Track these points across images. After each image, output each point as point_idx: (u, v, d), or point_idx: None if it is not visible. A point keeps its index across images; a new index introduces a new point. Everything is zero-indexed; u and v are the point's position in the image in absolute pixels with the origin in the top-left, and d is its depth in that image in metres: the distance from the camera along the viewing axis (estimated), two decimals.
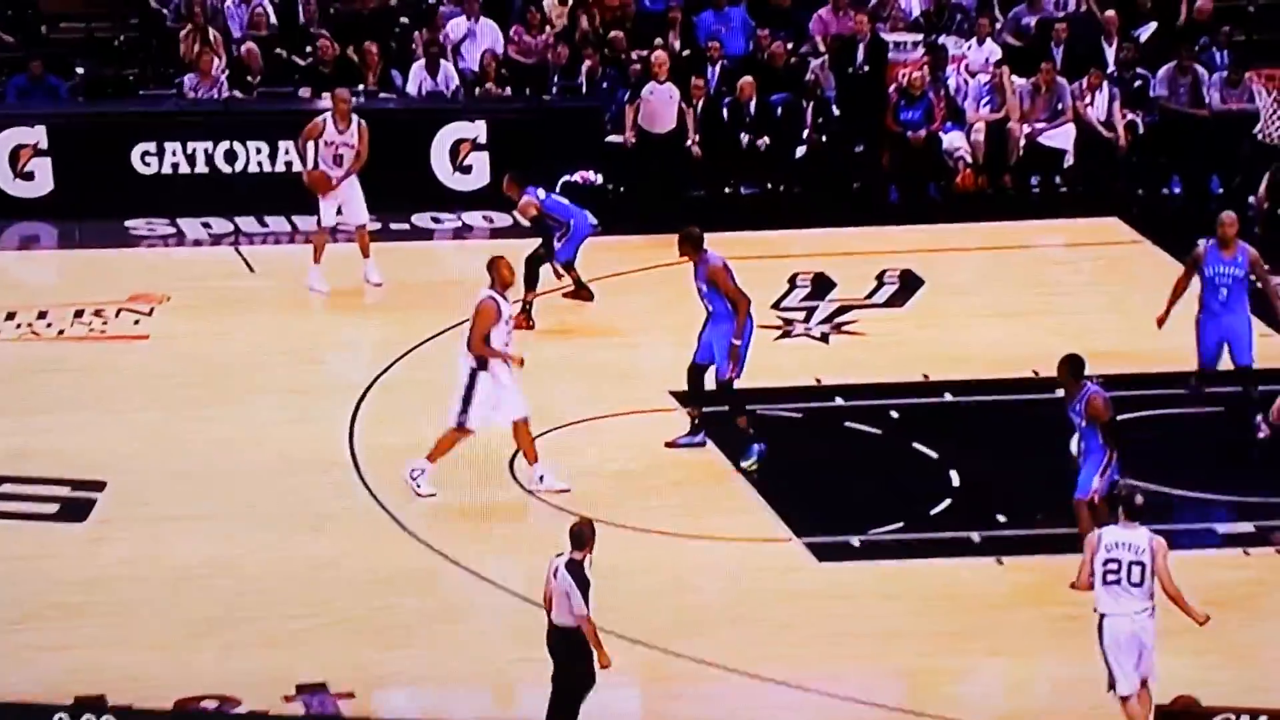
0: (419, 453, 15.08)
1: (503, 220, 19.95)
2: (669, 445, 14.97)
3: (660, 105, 19.89)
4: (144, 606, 13.07)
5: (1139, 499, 11.39)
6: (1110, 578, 11.15)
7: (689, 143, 20.35)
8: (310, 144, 18.17)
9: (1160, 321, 15.02)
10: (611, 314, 17.38)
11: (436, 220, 20.12)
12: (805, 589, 13.41)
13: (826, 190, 20.49)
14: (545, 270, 17.31)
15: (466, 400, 14.27)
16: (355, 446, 15.21)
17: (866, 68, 20.96)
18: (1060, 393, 13.93)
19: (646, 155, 20.31)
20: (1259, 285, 14.99)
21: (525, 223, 17.45)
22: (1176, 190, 20.96)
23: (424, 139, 20.36)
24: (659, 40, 21.42)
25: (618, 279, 18.20)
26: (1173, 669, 11.51)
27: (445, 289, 18.17)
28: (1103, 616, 11.24)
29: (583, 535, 11.33)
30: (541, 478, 14.42)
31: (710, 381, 14.88)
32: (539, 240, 17.23)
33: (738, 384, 14.70)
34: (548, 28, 21.77)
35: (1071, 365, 13.28)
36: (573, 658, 11.14)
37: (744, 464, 14.78)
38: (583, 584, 11.17)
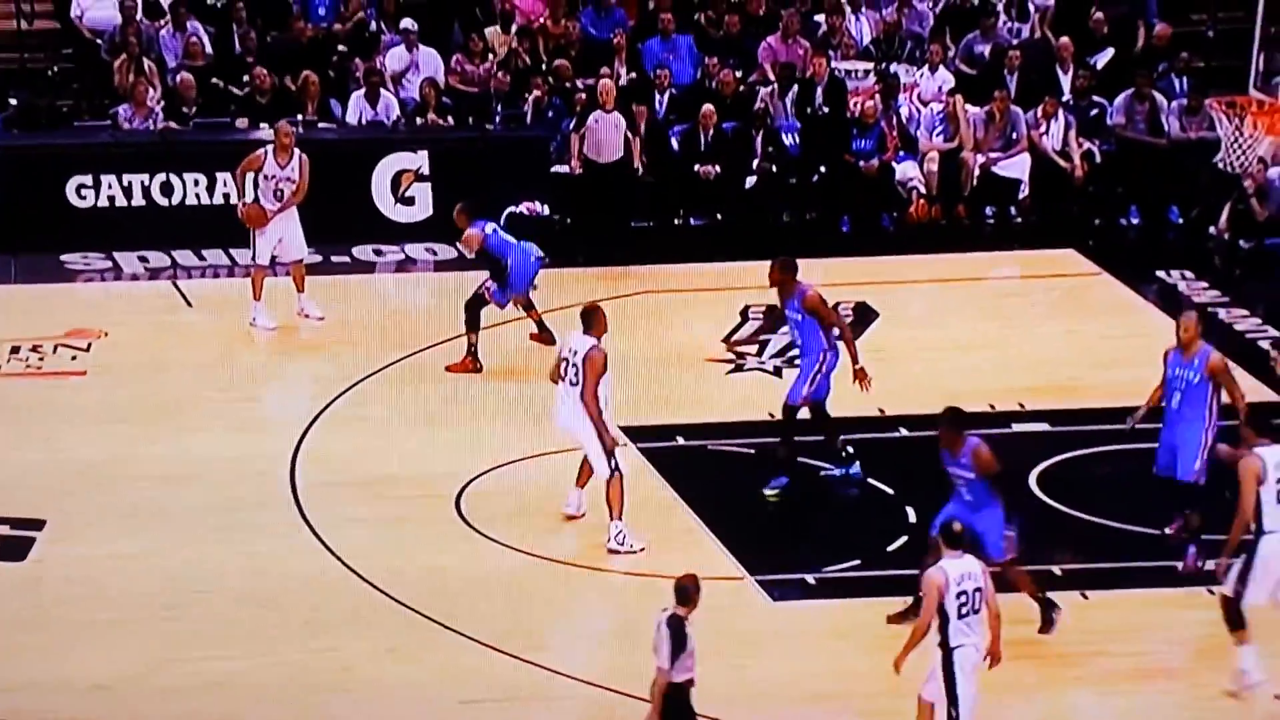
0: (363, 489, 15.13)
1: (447, 253, 19.98)
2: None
3: (606, 134, 19.98)
4: (82, 647, 13.04)
5: (956, 526, 11.60)
6: (964, 610, 11.37)
7: (636, 169, 20.45)
8: (248, 176, 18.17)
9: (1133, 421, 14.44)
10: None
11: (378, 253, 20.13)
12: (760, 629, 13.45)
13: (778, 221, 20.58)
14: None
15: (604, 446, 14.18)
16: (297, 484, 15.22)
17: (826, 109, 21.03)
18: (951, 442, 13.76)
19: (593, 185, 20.41)
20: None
21: (469, 255, 17.50)
22: (1135, 220, 21.08)
23: (364, 170, 20.38)
24: (605, 69, 21.54)
25: (566, 311, 18.24)
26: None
27: (387, 323, 18.25)
28: (954, 649, 11.40)
29: (687, 591, 11.12)
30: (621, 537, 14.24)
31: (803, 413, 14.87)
32: (482, 280, 17.21)
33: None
34: (490, 56, 21.84)
35: (952, 419, 13.10)
36: (670, 711, 10.94)
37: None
38: (679, 641, 10.97)
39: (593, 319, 14.33)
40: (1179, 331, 14.08)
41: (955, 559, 11.44)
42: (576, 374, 14.19)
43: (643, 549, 14.19)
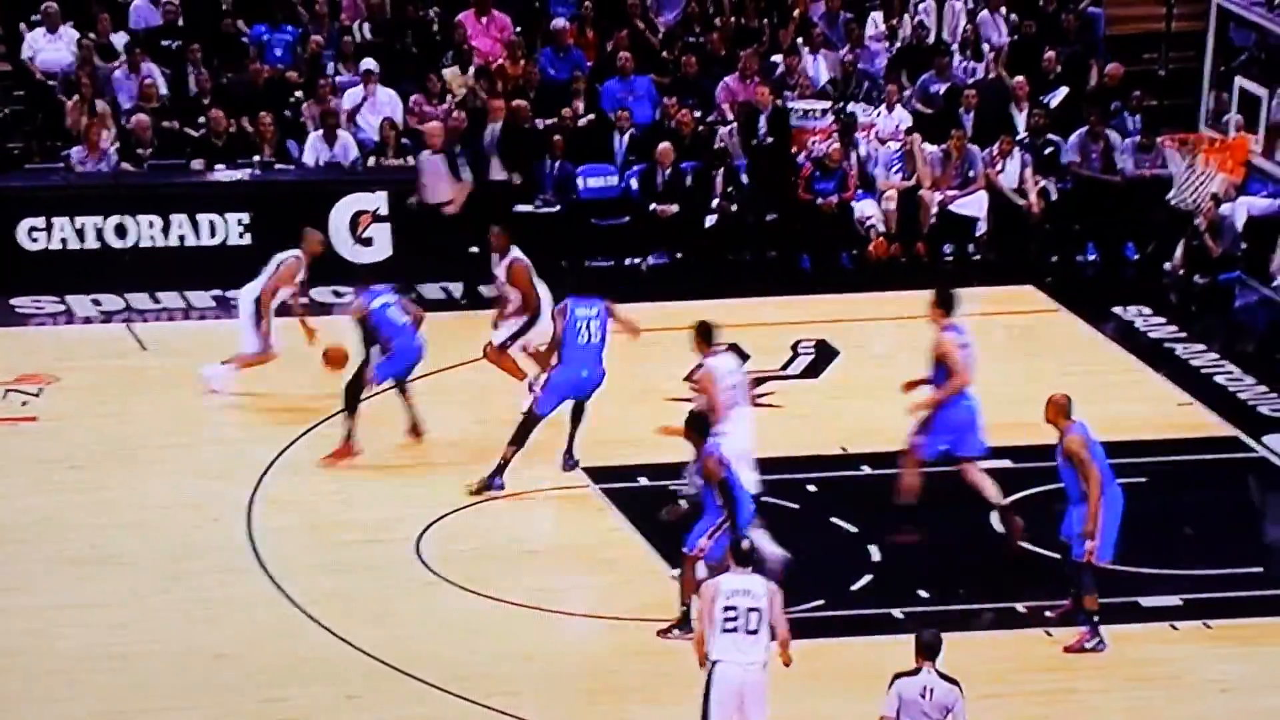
0: (320, 535, 14.79)
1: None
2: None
3: (433, 176, 19.44)
4: (30, 700, 12.67)
5: (746, 544, 11.54)
6: (729, 625, 11.25)
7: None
8: (280, 293, 17.13)
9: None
10: (521, 388, 17.07)
11: (337, 294, 19.77)
12: None
13: (738, 259, 20.34)
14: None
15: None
16: (253, 530, 14.88)
17: (770, 139, 20.80)
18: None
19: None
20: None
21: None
22: (1092, 257, 20.95)
23: (322, 211, 20.04)
24: (566, 109, 21.27)
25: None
26: None
27: (348, 366, 17.81)
28: (715, 663, 11.27)
29: (935, 646, 10.95)
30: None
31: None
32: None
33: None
34: (449, 96, 21.56)
35: (696, 424, 13.33)
36: None
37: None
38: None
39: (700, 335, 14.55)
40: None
41: (737, 574, 11.35)
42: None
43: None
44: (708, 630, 11.28)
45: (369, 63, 21.45)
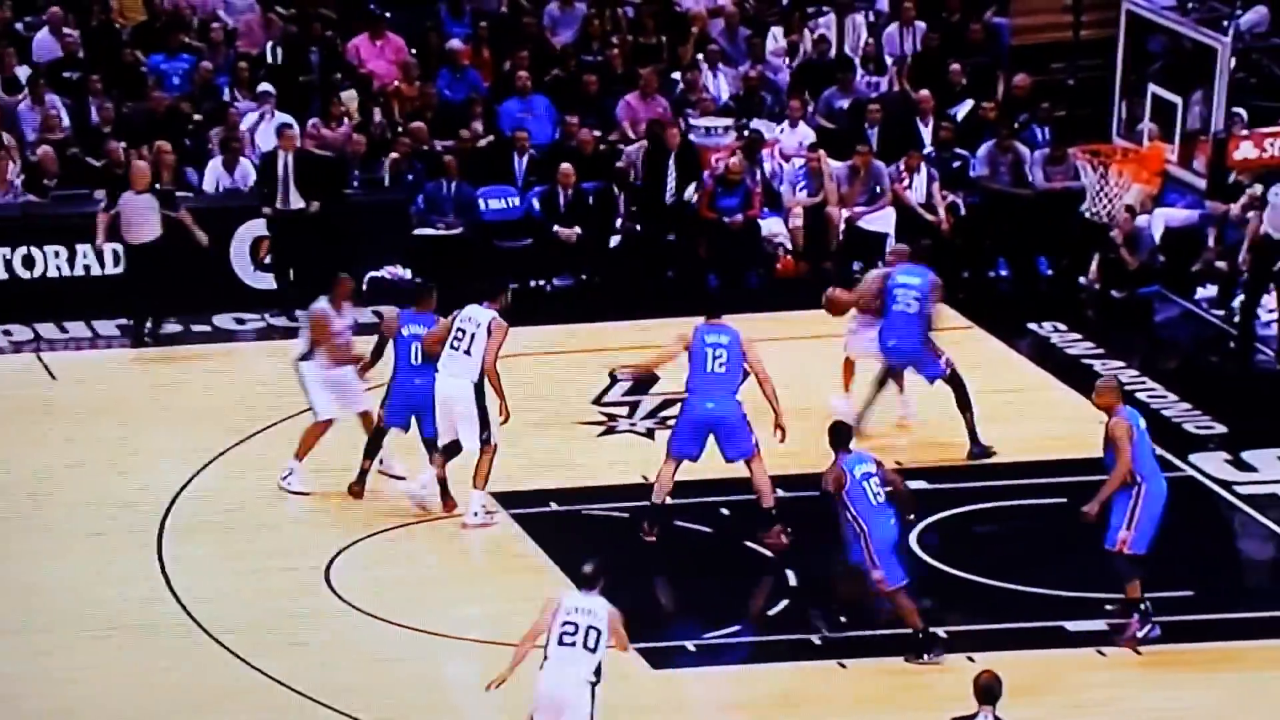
0: (230, 563, 14.82)
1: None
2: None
3: (137, 215, 19.23)
4: None
5: (589, 568, 11.88)
6: (566, 639, 11.60)
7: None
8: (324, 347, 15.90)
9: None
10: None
11: (239, 321, 19.75)
12: (640, 698, 13.19)
13: (643, 280, 20.39)
14: None
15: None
16: (164, 557, 14.89)
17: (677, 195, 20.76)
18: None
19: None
20: None
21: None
22: (1004, 273, 21.06)
23: (223, 237, 20.07)
24: (465, 131, 21.26)
25: None
26: None
27: (251, 392, 17.92)
28: (542, 664, 11.59)
29: (994, 691, 10.94)
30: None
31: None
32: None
33: None
34: (346, 120, 21.53)
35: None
36: None
37: None
38: None
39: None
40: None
41: (582, 594, 11.79)
42: (471, 344, 14.59)
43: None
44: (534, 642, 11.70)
45: (266, 86, 21.48)
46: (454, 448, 15.33)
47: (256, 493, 15.89)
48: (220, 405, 17.58)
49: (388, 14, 22.78)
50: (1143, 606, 13.57)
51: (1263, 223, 18.69)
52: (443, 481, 15.31)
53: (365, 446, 15.72)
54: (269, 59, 22.29)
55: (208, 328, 19.53)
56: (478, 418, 15.06)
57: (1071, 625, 13.95)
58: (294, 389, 17.53)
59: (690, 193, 20.66)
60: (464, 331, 15.10)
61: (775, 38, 22.96)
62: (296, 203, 19.89)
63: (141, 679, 13.30)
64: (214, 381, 18.26)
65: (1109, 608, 13.88)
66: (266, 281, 20.11)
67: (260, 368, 18.80)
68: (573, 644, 11.56)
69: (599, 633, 11.61)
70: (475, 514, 15.23)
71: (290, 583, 14.50)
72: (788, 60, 22.80)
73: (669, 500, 15.07)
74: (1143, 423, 13.66)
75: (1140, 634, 13.56)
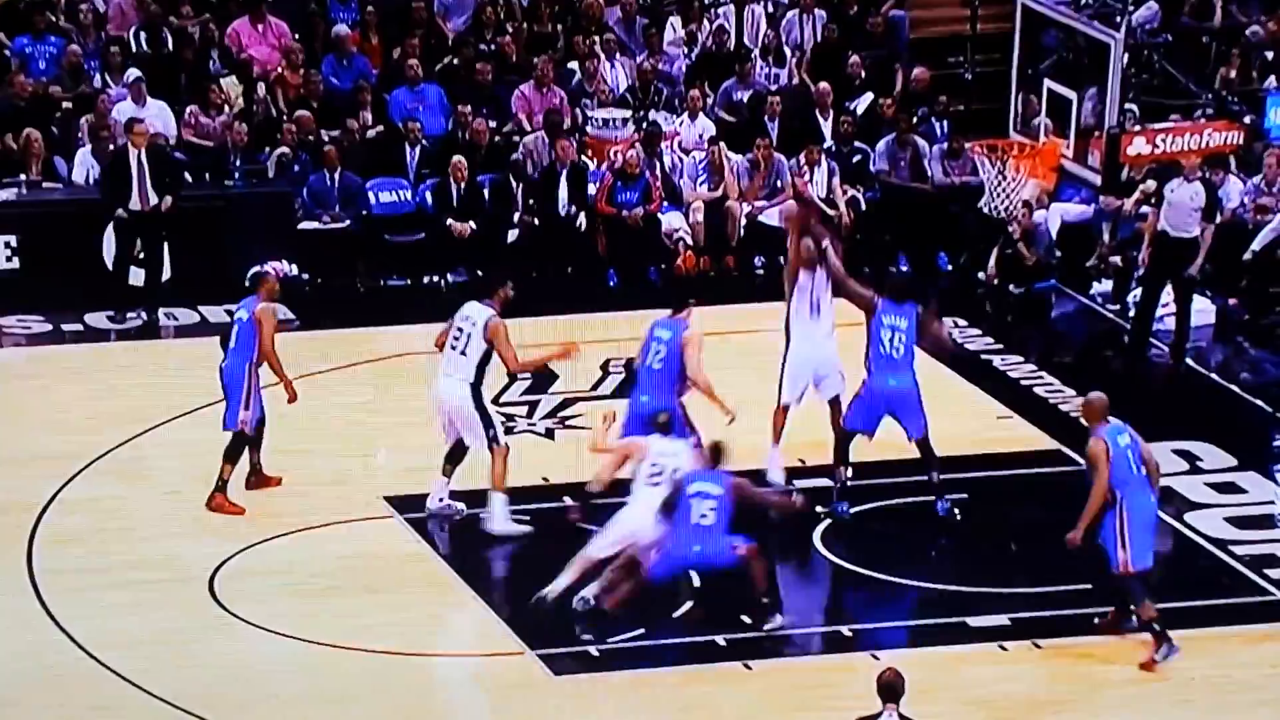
0: (107, 575, 14.67)
1: (189, 317, 19.57)
2: None
3: None
4: None
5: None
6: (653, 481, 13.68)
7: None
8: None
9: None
10: (318, 415, 17.05)
11: (114, 319, 19.57)
12: (542, 705, 13.26)
13: (541, 276, 20.47)
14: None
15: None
16: (34, 569, 14.70)
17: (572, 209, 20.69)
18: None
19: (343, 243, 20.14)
20: None
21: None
22: (904, 268, 21.30)
23: (95, 231, 19.83)
24: (353, 120, 21.25)
25: (320, 377, 17.89)
26: None
27: (128, 394, 17.77)
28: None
29: (895, 688, 11.08)
30: None
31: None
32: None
33: None
34: (226, 108, 21.44)
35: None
36: None
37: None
38: None
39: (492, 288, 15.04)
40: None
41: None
42: (468, 343, 14.63)
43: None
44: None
45: (134, 72, 21.26)
46: (458, 451, 15.21)
47: (133, 500, 15.74)
48: (93, 410, 17.32)
49: None
50: (1156, 627, 13.68)
51: (1160, 219, 19.07)
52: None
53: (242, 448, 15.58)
54: (138, 43, 22.06)
55: (79, 326, 19.30)
56: (479, 419, 14.93)
57: (973, 620, 14.16)
58: (170, 390, 17.51)
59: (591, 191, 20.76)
60: (461, 330, 15.00)
61: (674, 28, 23.07)
62: (153, 200, 19.52)
63: (10, 701, 13.10)
64: (89, 385, 17.99)
65: (1097, 622, 14.09)
66: (144, 277, 19.77)
67: (135, 369, 18.65)
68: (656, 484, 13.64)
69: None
70: (501, 519, 15.01)
71: (171, 594, 14.37)
72: (686, 51, 22.96)
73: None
74: (1125, 439, 13.83)
75: (1159, 657, 13.66)
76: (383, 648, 13.74)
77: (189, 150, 21.10)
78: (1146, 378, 18.77)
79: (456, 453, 15.26)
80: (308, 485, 15.93)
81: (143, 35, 22.26)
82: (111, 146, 20.38)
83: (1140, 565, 13.68)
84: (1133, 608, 13.77)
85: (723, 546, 13.79)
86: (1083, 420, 14.16)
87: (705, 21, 23.15)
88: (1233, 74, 22.18)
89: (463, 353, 15.04)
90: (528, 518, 15.32)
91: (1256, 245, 20.09)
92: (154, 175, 19.55)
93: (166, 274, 19.93)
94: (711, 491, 13.81)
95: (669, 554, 13.76)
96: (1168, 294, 19.22)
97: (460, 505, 15.34)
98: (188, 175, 20.69)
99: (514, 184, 20.85)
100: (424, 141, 21.13)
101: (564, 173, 20.73)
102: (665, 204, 20.99)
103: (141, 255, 19.74)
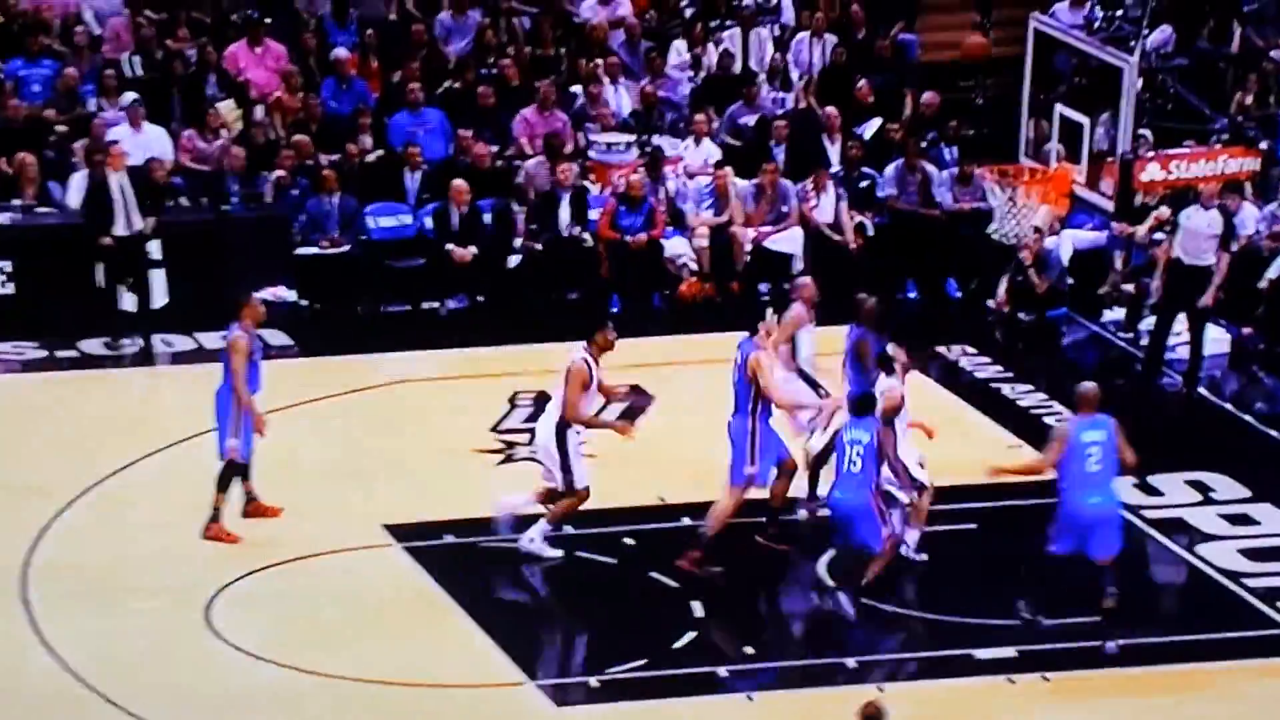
0: (104, 601, 14.75)
1: (184, 344, 19.67)
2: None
3: None
4: None
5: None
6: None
7: None
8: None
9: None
10: (316, 442, 17.19)
11: (110, 345, 19.69)
12: None
13: (544, 301, 20.58)
14: None
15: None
16: (29, 597, 14.78)
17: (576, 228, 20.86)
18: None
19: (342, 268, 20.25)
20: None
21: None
22: (912, 294, 21.40)
23: (90, 257, 19.89)
24: (352, 145, 21.41)
25: (320, 403, 18.02)
26: None
27: (124, 421, 17.90)
28: None
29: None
30: None
31: None
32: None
33: None
34: (223, 132, 21.59)
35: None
36: None
37: None
38: None
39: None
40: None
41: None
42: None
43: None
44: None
45: (130, 95, 21.39)
46: (555, 490, 15.33)
47: (131, 525, 15.82)
48: (90, 436, 17.41)
49: (267, 20, 22.86)
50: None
51: (1174, 247, 19.18)
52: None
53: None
54: (134, 67, 22.19)
55: (74, 353, 19.40)
56: (558, 458, 15.03)
57: (980, 653, 14.23)
58: (165, 417, 17.58)
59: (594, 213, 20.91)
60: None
61: (678, 51, 23.23)
62: (138, 224, 19.65)
63: None
64: (84, 410, 18.11)
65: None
66: (132, 304, 19.88)
67: (130, 395, 18.80)
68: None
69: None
70: (532, 539, 15.21)
71: (168, 622, 14.41)
72: (691, 74, 23.10)
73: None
74: (1094, 434, 14.18)
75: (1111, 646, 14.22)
76: (380, 677, 13.81)
77: (186, 175, 21.25)
78: (1160, 407, 18.85)
79: (554, 491, 15.34)
80: (306, 513, 15.99)
81: (137, 59, 22.41)
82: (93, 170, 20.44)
83: (1058, 548, 14.31)
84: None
85: (875, 526, 14.39)
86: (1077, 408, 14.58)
87: (710, 45, 23.29)
88: (1249, 99, 22.32)
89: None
90: (560, 550, 15.44)
91: (1272, 273, 20.21)
92: (138, 199, 19.67)
93: (164, 299, 20.04)
94: (861, 439, 14.43)
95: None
96: (1181, 323, 19.33)
97: (556, 551, 15.39)
98: (185, 200, 20.86)
99: (515, 209, 20.99)
100: (425, 166, 21.26)
101: (566, 197, 20.87)
102: (669, 229, 21.13)
103: (131, 281, 19.88)
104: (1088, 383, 14.56)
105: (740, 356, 15.33)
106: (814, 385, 16.05)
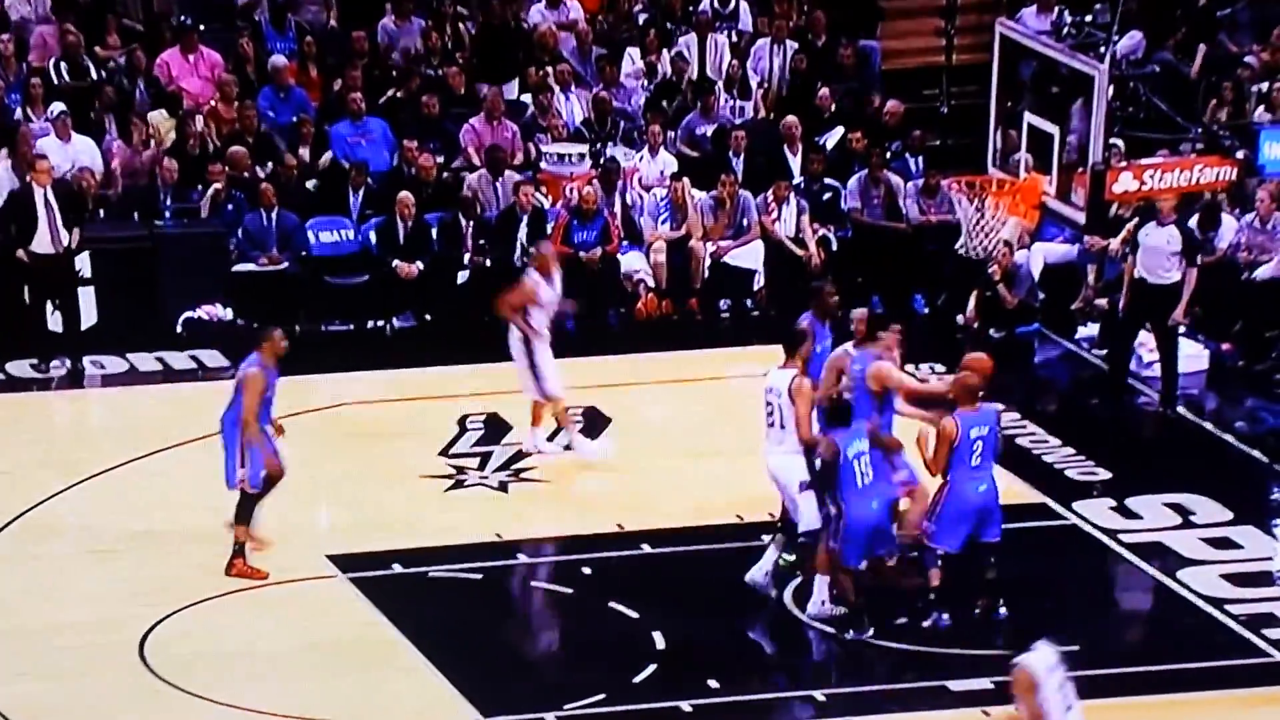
0: (31, 639, 14.63)
1: (117, 365, 19.57)
2: None
3: None
4: None
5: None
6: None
7: None
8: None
9: None
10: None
11: (37, 368, 19.57)
12: None
13: (492, 320, 20.56)
14: None
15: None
16: None
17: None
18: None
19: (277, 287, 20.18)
20: None
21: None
22: (878, 311, 21.33)
23: (17, 274, 19.76)
24: (289, 157, 21.31)
25: None
26: None
27: (52, 447, 17.84)
28: None
29: None
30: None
31: None
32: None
33: None
34: (154, 143, 21.48)
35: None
36: None
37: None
38: None
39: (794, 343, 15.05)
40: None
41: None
42: (783, 415, 14.74)
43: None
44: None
45: (59, 107, 21.30)
46: (791, 527, 15.17)
47: (59, 559, 15.72)
48: (13, 463, 17.27)
49: (201, 26, 22.78)
50: (931, 597, 14.65)
51: (1136, 266, 19.26)
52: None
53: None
54: (58, 74, 22.08)
55: (0, 376, 19.36)
56: (798, 495, 14.84)
57: (954, 685, 14.19)
58: (97, 443, 17.51)
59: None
60: (770, 404, 14.94)
61: (631, 59, 23.20)
62: (64, 240, 19.51)
63: None
64: (7, 435, 17.98)
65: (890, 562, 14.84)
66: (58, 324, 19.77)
67: (59, 420, 18.74)
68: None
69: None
70: (822, 602, 14.99)
71: (99, 660, 14.31)
72: (645, 82, 23.08)
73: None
74: (981, 430, 14.70)
75: (926, 623, 14.65)
76: (325, 716, 13.72)
77: (111, 187, 21.12)
78: (1134, 426, 18.90)
79: (790, 527, 15.16)
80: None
81: (63, 66, 22.29)
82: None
83: (943, 544, 14.73)
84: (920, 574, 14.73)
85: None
86: (950, 396, 14.86)
87: (665, 51, 23.26)
88: (1224, 107, 22.40)
89: (781, 425, 14.90)
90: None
91: (1260, 275, 20.26)
92: (63, 214, 19.55)
93: (92, 319, 19.92)
94: (861, 448, 14.69)
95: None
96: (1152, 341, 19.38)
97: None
98: (114, 214, 20.75)
99: (463, 223, 20.93)
100: (368, 180, 21.18)
101: (525, 219, 20.82)
102: (625, 244, 21.09)
103: (59, 300, 19.77)
104: (969, 373, 14.95)
105: (859, 369, 15.42)
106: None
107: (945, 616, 14.75)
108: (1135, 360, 19.70)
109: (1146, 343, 19.79)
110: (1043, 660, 11.35)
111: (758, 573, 15.22)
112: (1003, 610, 14.87)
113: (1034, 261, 21.07)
